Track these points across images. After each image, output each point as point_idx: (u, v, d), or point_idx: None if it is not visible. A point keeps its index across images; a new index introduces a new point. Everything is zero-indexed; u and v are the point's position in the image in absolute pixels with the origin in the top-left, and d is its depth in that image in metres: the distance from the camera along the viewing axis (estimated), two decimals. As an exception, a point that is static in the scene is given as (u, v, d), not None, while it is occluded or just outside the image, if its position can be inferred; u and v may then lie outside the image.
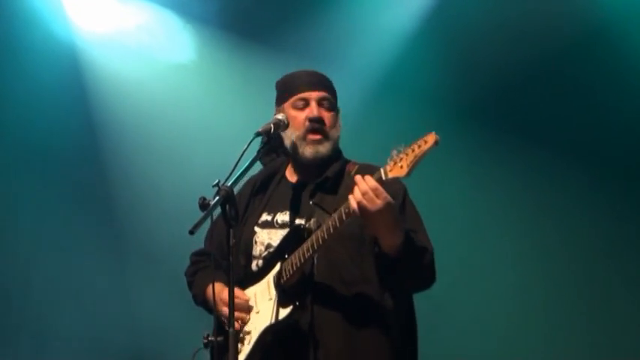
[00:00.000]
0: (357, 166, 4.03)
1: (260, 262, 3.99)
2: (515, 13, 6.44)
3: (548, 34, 6.41)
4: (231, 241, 3.46)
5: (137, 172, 6.90)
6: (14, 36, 6.74)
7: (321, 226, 3.70)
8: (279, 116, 3.95)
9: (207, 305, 4.08)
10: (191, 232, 3.58)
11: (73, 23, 6.80)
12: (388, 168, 3.54)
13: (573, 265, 6.49)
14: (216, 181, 3.60)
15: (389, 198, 3.57)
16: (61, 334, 6.67)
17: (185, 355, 3.88)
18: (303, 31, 6.70)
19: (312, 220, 3.82)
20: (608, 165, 6.46)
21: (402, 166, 3.50)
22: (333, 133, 4.00)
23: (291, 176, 4.12)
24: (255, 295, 3.92)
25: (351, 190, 3.63)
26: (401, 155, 3.52)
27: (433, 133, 3.49)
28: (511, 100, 6.60)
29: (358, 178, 3.60)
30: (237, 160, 3.71)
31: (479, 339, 6.39)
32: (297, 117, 3.99)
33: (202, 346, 3.71)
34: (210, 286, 3.92)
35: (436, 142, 3.46)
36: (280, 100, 4.09)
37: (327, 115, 3.99)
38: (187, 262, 4.35)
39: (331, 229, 3.66)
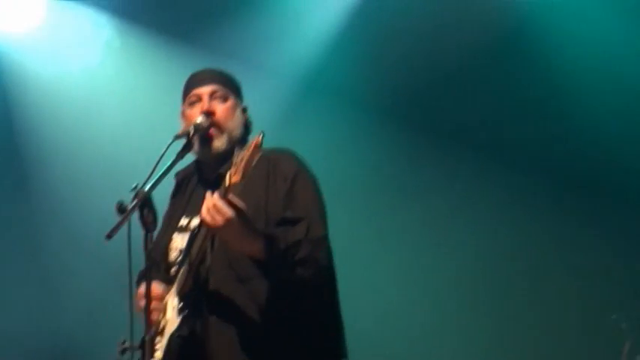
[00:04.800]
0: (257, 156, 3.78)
1: (175, 268, 3.91)
2: (438, 12, 6.45)
3: (471, 32, 6.44)
4: (149, 246, 3.40)
5: (58, 171, 6.83)
6: None
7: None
8: (199, 119, 3.88)
9: None
10: (108, 237, 3.52)
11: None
12: (231, 173, 3.48)
13: (495, 268, 6.55)
14: (135, 184, 3.54)
15: (229, 214, 3.50)
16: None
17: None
18: (225, 29, 6.65)
19: None
20: (533, 162, 6.50)
21: (236, 171, 3.46)
22: (228, 125, 3.92)
23: (206, 176, 4.03)
24: (166, 303, 3.84)
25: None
26: (238, 159, 3.47)
27: (257, 136, 3.45)
28: (432, 99, 6.59)
29: (207, 194, 3.55)
30: (155, 163, 3.66)
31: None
32: (192, 114, 3.93)
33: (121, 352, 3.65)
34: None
35: (257, 146, 3.41)
36: (182, 103, 4.05)
37: (220, 108, 3.92)
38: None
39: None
